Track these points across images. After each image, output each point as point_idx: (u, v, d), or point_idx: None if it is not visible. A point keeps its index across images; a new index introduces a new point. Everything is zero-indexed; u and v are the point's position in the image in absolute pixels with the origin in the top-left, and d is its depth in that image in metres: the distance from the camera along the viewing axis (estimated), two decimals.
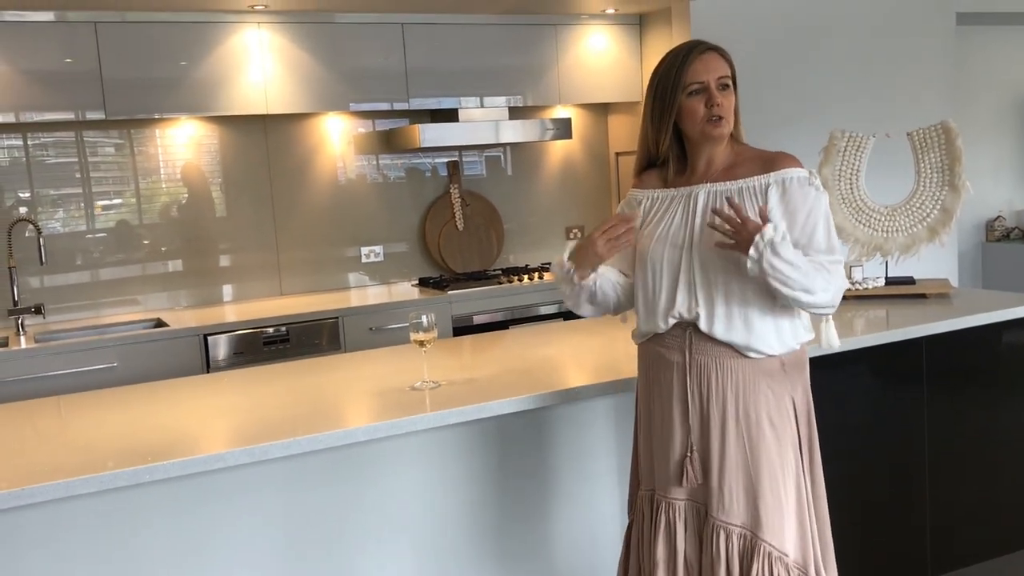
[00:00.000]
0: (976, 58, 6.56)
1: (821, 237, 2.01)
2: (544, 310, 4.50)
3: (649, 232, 2.11)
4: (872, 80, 5.38)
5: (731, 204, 1.93)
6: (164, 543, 2.34)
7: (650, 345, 2.13)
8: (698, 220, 2.04)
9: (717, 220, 1.95)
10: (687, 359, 2.04)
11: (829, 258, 2.02)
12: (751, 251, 1.89)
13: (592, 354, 2.97)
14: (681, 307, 2.03)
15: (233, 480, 2.42)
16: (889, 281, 3.58)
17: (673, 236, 2.06)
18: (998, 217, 6.84)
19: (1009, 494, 3.22)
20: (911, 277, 3.64)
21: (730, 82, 2.05)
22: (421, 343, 2.48)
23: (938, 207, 3.46)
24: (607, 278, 2.18)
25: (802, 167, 2.04)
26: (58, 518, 2.11)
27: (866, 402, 2.92)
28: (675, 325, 2.05)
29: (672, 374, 2.07)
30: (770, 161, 2.04)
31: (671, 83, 2.03)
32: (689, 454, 2.04)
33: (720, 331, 2.00)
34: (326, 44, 4.28)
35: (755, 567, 1.96)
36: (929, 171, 3.48)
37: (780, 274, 1.90)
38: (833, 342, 2.36)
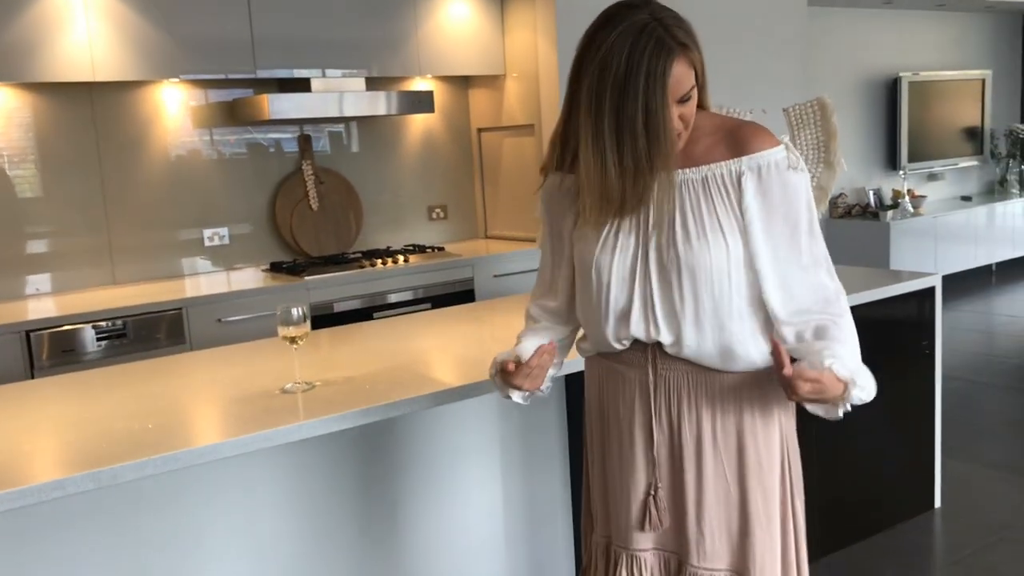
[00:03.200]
0: (825, 40, 6.73)
1: (804, 236, 1.60)
2: (409, 295, 4.24)
3: (589, 234, 1.65)
4: (733, 64, 5.39)
5: (777, 352, 1.49)
6: None
7: (600, 360, 1.76)
8: (651, 219, 1.60)
9: (803, 391, 1.49)
10: (651, 376, 1.66)
11: (832, 297, 1.62)
12: (840, 409, 1.58)
13: (471, 346, 2.74)
14: (636, 330, 1.64)
15: (67, 506, 2.06)
16: None
17: (623, 241, 1.63)
18: (841, 194, 7.07)
19: (887, 469, 3.23)
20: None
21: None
22: (292, 339, 2.18)
23: (814, 184, 3.41)
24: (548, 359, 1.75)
25: (778, 143, 1.60)
26: None
27: None
28: (633, 342, 1.67)
29: (633, 394, 1.69)
30: (738, 139, 1.59)
31: (650, 90, 1.50)
32: (653, 492, 1.68)
33: (690, 352, 1.62)
34: (161, 4, 3.83)
35: None
36: (805, 148, 3.43)
37: (872, 387, 1.60)
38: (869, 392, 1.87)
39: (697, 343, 1.61)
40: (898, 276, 3.31)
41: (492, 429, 2.68)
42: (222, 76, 4.07)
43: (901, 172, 7.37)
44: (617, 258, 1.64)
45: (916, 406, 3.31)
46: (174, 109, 4.20)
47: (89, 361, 3.45)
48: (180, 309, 3.68)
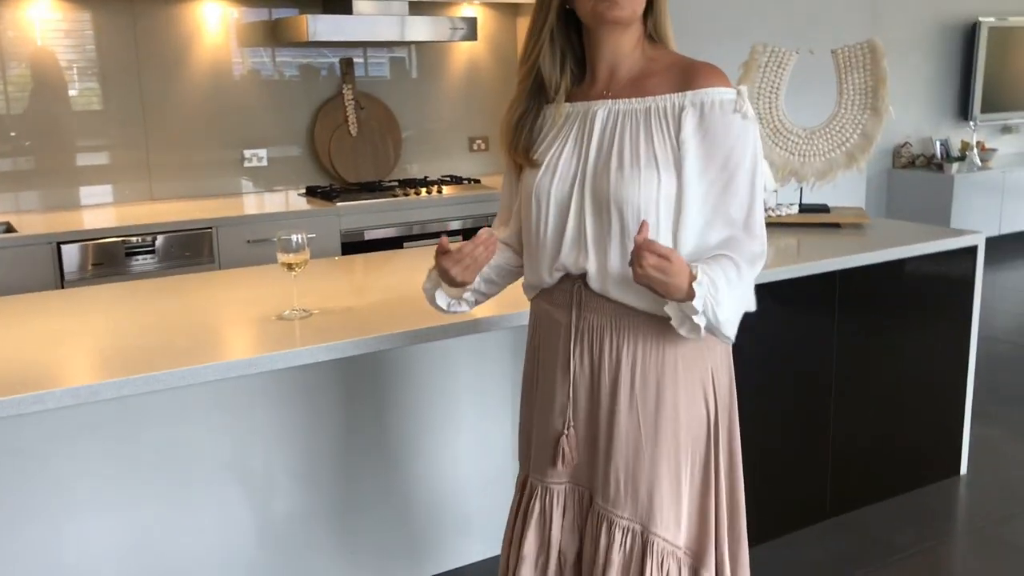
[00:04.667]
0: None
1: (742, 191, 1.55)
2: (444, 226, 4.20)
3: (538, 158, 1.66)
4: (794, 3, 5.16)
5: (642, 228, 1.47)
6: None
7: (538, 301, 1.74)
8: (593, 146, 1.60)
9: (647, 263, 1.43)
10: (573, 318, 1.64)
11: (746, 247, 1.55)
12: (688, 321, 1.49)
13: None
14: (566, 258, 1.62)
15: (65, 417, 2.10)
16: (803, 208, 3.40)
17: (564, 166, 1.62)
18: (905, 144, 6.78)
19: (912, 432, 3.14)
20: (825, 205, 3.46)
21: None
22: (289, 266, 2.16)
23: (858, 131, 3.27)
24: (484, 279, 1.79)
25: (728, 85, 1.57)
26: None
27: (773, 335, 2.74)
28: (563, 278, 1.66)
29: (558, 337, 1.67)
30: (688, 75, 1.57)
31: None
32: (566, 431, 1.66)
33: (614, 290, 1.59)
34: None
35: (647, 567, 1.61)
36: (852, 93, 3.28)
37: (728, 325, 1.52)
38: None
39: (621, 275, 1.57)
40: (940, 233, 3.16)
41: (505, 367, 2.66)
42: None
43: (972, 123, 7.03)
44: (556, 185, 1.63)
45: (949, 367, 3.18)
46: (215, 26, 4.17)
47: (117, 276, 3.50)
48: (211, 228, 3.70)
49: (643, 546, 1.62)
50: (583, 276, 1.62)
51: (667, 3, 1.64)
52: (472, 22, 4.33)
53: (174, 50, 4.10)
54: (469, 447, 2.65)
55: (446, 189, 4.31)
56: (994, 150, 7.04)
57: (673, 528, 1.64)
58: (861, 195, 5.64)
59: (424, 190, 4.25)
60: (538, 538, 1.72)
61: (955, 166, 6.61)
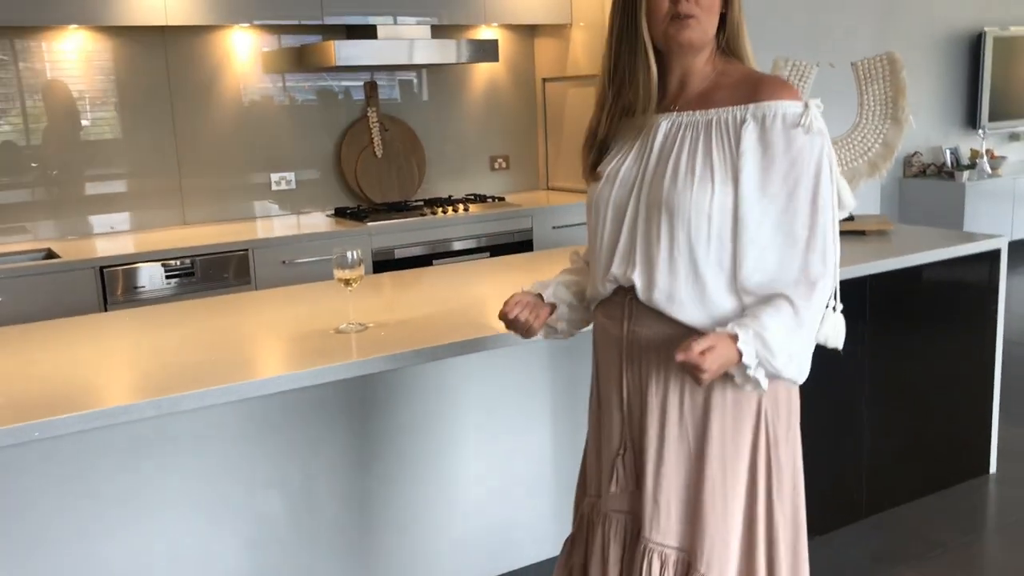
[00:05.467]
0: None
1: (803, 208, 1.50)
2: (469, 244, 4.29)
3: (601, 169, 1.68)
4: (805, 15, 5.27)
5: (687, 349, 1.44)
6: (57, 499, 2.09)
7: (597, 314, 1.74)
8: (653, 156, 1.59)
9: (706, 365, 1.44)
10: (625, 331, 1.62)
11: (812, 267, 1.50)
12: (749, 376, 1.48)
13: None
14: (616, 269, 1.61)
15: (138, 432, 2.18)
16: None
17: (624, 174, 1.63)
18: (915, 153, 6.88)
19: (941, 432, 3.20)
20: (850, 214, 3.54)
21: None
22: (346, 282, 2.25)
23: (880, 141, 3.36)
24: (568, 305, 1.80)
25: (797, 98, 1.53)
26: None
27: None
28: (616, 291, 1.64)
29: (613, 351, 1.66)
30: (755, 87, 1.55)
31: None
32: (622, 451, 1.65)
33: (661, 300, 1.56)
34: None
35: None
36: (872, 103, 3.37)
37: (789, 369, 1.50)
38: (832, 340, 1.65)
39: (669, 288, 1.55)
40: (962, 237, 3.24)
41: (543, 376, 2.73)
42: (291, 22, 4.13)
43: (980, 131, 7.13)
44: (615, 192, 1.64)
45: (976, 370, 3.25)
46: (244, 54, 4.28)
47: (159, 297, 3.59)
48: (247, 250, 3.79)
49: None
50: (632, 288, 1.60)
51: (743, 19, 1.64)
52: (493, 44, 4.44)
53: (204, 78, 4.21)
54: (510, 455, 2.72)
55: (472, 207, 4.40)
56: (1003, 157, 7.13)
57: (721, 566, 1.58)
58: (876, 204, 5.73)
59: (451, 208, 4.34)
60: (600, 569, 1.69)
61: (966, 174, 6.70)
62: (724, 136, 1.55)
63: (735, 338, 1.45)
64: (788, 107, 1.53)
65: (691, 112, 1.60)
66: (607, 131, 1.67)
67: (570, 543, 1.84)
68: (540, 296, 1.80)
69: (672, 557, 1.59)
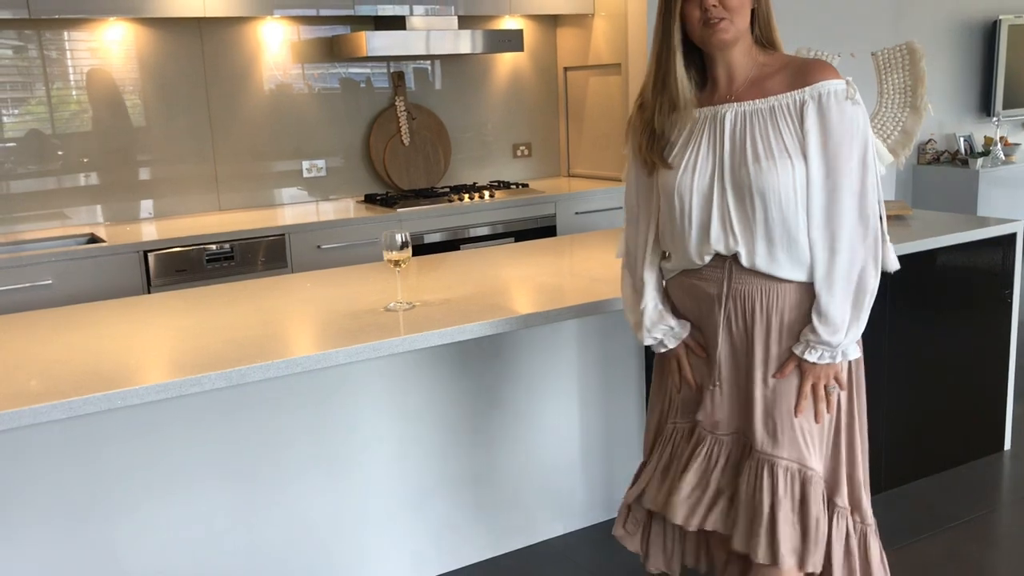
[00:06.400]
0: None
1: (856, 160, 1.79)
2: (494, 229, 4.41)
3: (674, 161, 1.90)
4: (822, 5, 5.35)
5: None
6: (113, 471, 2.23)
7: (682, 279, 1.98)
8: (727, 144, 1.84)
9: (830, 401, 1.91)
10: (725, 288, 1.89)
11: (864, 213, 1.80)
12: (839, 358, 1.87)
13: (554, 275, 2.88)
14: (717, 244, 1.86)
15: (186, 407, 2.31)
16: None
17: (702, 163, 1.87)
18: (929, 140, 6.96)
19: (958, 410, 3.32)
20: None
21: None
22: (396, 263, 2.37)
23: (899, 129, 3.46)
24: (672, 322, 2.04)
25: (839, 76, 1.81)
26: None
27: None
28: (713, 258, 1.90)
29: (710, 306, 1.93)
30: (803, 72, 1.81)
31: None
32: (713, 387, 1.96)
33: (763, 264, 1.84)
34: None
35: (810, 497, 1.86)
36: (892, 92, 3.47)
37: (856, 336, 1.87)
38: (889, 264, 1.94)
39: (768, 252, 1.83)
40: (980, 221, 3.34)
41: (571, 356, 2.85)
42: (326, 12, 4.24)
43: (994, 119, 7.20)
44: (697, 180, 1.88)
45: (992, 351, 3.36)
46: (275, 45, 4.40)
47: (200, 280, 3.72)
48: (283, 235, 3.92)
49: (803, 483, 1.86)
50: (733, 256, 1.86)
51: (772, 10, 1.89)
52: (519, 34, 4.54)
53: (238, 68, 4.33)
54: (556, 431, 2.85)
55: (497, 194, 4.52)
56: (1017, 144, 7.20)
57: (818, 463, 1.90)
58: (890, 191, 5.82)
59: (476, 195, 4.46)
60: (699, 475, 1.95)
61: (979, 161, 6.78)
62: (788, 118, 1.80)
63: (819, 357, 1.85)
64: (836, 85, 1.79)
65: (751, 101, 1.84)
66: (662, 125, 1.90)
67: (663, 449, 2.07)
68: (671, 328, 2.02)
69: (783, 464, 1.87)
